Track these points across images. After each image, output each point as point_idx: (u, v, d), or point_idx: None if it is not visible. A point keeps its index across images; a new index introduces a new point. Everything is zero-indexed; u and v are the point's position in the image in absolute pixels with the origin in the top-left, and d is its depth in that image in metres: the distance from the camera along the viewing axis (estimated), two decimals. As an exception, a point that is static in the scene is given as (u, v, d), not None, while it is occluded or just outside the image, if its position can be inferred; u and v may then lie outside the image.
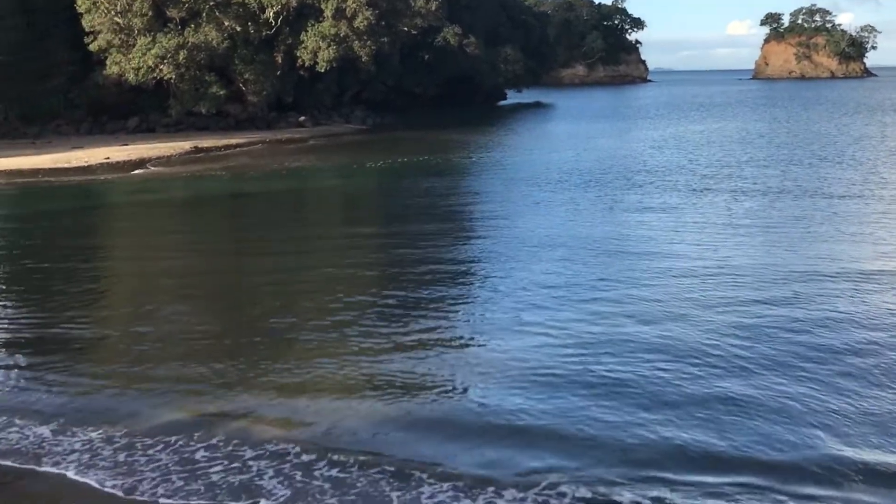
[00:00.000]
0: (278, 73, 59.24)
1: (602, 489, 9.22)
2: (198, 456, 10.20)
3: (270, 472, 9.75)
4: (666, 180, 33.13)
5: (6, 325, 15.77)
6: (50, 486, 9.75)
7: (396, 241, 23.21)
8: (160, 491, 9.47)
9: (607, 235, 22.61)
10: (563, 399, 11.57)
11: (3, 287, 19.15)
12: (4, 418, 11.48)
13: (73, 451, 10.45)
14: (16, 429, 11.18)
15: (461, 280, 18.31)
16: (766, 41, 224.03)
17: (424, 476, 9.52)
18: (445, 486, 9.35)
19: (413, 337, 14.23)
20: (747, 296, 16.31)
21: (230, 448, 10.37)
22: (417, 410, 11.32)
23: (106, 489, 9.59)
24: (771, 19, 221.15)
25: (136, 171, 41.29)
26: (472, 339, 14.29)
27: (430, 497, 9.16)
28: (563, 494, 9.13)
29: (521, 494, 9.16)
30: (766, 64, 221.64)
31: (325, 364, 13.03)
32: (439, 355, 13.38)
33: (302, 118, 63.40)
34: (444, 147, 49.90)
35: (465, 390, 12.00)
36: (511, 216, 26.42)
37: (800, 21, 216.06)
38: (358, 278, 18.86)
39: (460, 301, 16.67)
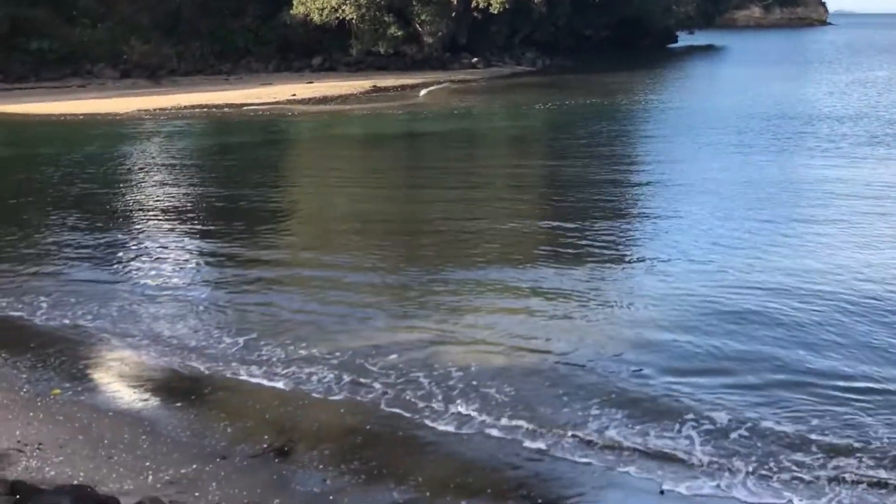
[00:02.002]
0: (453, 14, 60.58)
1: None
2: (370, 376, 10.84)
3: (440, 393, 10.33)
4: (844, 129, 32.38)
5: (200, 248, 17.17)
6: (245, 397, 10.40)
7: (562, 183, 24.01)
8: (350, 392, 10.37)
9: (778, 185, 22.34)
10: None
11: (204, 212, 20.59)
12: (202, 333, 12.45)
13: (264, 362, 11.24)
14: (213, 342, 12.03)
15: (628, 221, 18.83)
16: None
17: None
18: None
19: (583, 273, 14.94)
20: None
21: (406, 369, 10.91)
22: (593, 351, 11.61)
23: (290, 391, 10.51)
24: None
25: (320, 107, 43.79)
26: (640, 280, 14.84)
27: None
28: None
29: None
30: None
31: (493, 299, 13.60)
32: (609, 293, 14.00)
33: (475, 59, 64.78)
34: (613, 89, 50.05)
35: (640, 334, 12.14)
36: (680, 159, 26.82)
37: None
38: (525, 218, 19.43)
39: (628, 243, 17.21)
